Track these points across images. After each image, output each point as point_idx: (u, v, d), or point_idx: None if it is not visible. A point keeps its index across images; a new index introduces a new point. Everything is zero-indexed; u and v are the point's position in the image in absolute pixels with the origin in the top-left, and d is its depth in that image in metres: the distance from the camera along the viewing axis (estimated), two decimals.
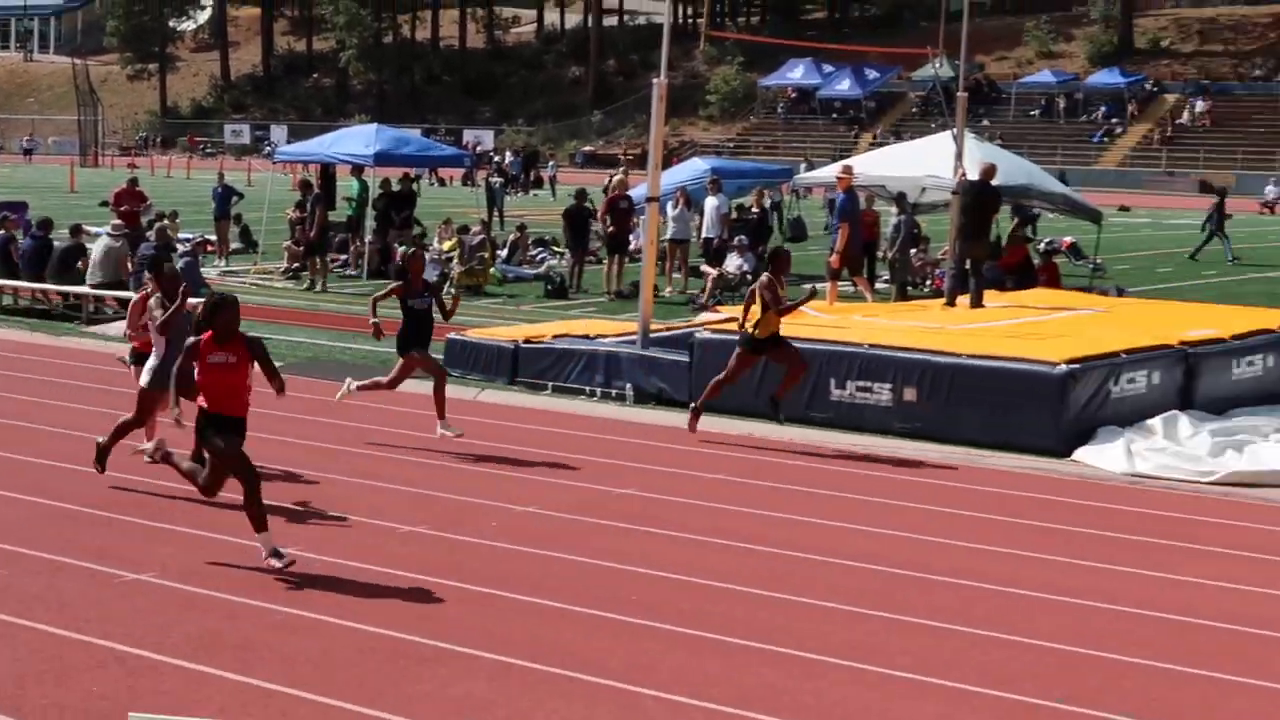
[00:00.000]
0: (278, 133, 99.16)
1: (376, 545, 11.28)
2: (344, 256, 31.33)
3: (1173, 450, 14.98)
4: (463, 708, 8.14)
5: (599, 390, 17.61)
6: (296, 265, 30.13)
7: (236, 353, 10.64)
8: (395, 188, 31.49)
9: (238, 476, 10.53)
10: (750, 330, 15.42)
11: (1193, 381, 16.63)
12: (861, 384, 16.19)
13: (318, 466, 13.79)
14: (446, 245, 30.51)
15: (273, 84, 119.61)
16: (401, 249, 14.35)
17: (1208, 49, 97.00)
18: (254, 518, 10.44)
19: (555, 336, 18.70)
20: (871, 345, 16.47)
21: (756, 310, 15.33)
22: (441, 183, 69.28)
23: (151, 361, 13.00)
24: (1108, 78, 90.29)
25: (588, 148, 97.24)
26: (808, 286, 17.87)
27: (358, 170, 30.81)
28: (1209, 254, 39.09)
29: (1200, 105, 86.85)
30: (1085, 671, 8.98)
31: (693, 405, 15.94)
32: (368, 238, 30.32)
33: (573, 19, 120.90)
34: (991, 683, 8.71)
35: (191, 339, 10.78)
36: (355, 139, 32.47)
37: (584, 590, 10.22)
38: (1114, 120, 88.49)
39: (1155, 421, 15.55)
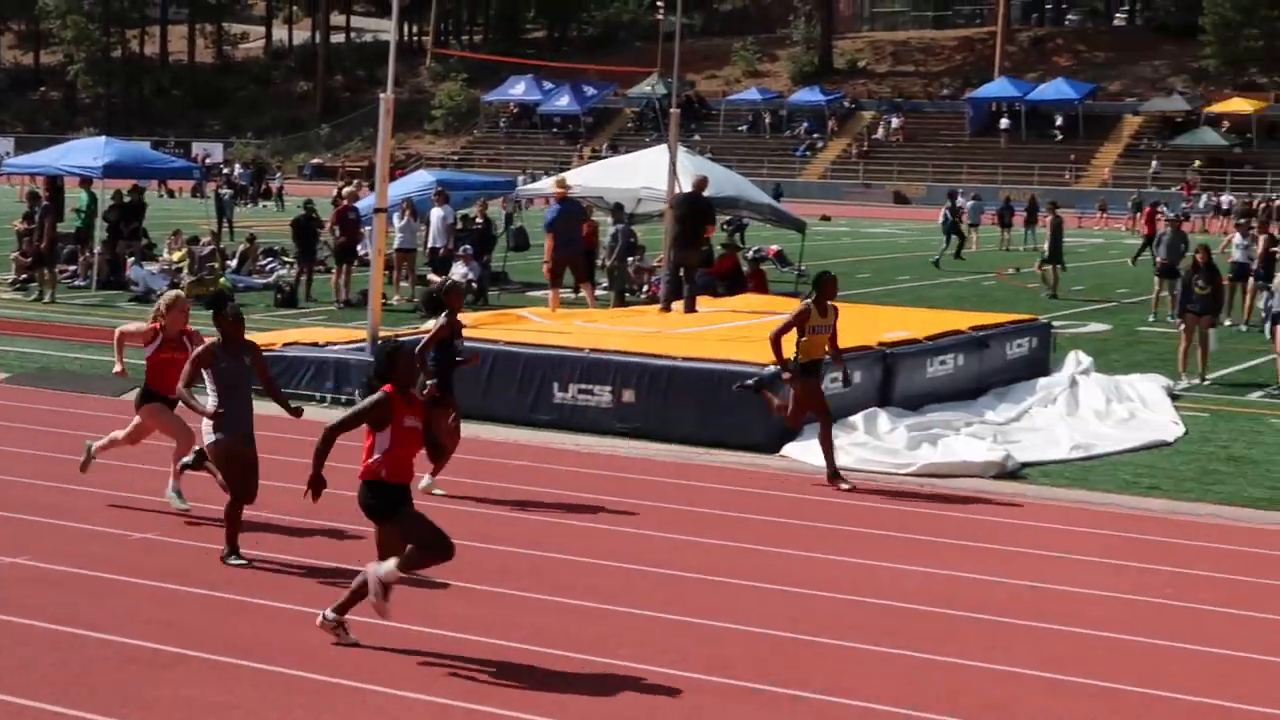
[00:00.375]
0: (4, 145, 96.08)
1: (111, 554, 11.26)
2: (73, 267, 31.02)
3: (873, 444, 15.89)
4: (197, 711, 8.20)
5: (329, 396, 17.89)
6: (25, 276, 29.78)
7: (419, 414, 9.33)
8: (125, 199, 31.41)
9: (430, 552, 9.22)
10: (791, 357, 14.67)
11: (891, 380, 17.67)
12: (583, 386, 16.78)
13: (45, 475, 13.71)
14: (176, 256, 30.56)
15: None
16: (440, 281, 12.62)
17: (900, 69, 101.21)
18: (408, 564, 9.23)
19: (285, 344, 18.80)
20: (592, 349, 17.09)
21: (791, 335, 14.65)
22: (171, 194, 68.30)
23: (208, 421, 11.42)
24: (809, 96, 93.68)
25: (316, 160, 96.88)
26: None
27: (86, 182, 30.54)
28: (924, 258, 40.79)
29: (894, 122, 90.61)
30: (795, 654, 9.49)
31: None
32: (96, 249, 30.15)
33: (301, 35, 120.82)
34: (708, 668, 9.10)
35: (380, 397, 9.10)
36: (84, 151, 32.20)
37: (313, 591, 10.32)
38: (815, 135, 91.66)
39: (857, 418, 16.43)
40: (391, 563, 9.24)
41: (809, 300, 14.82)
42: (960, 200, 54.43)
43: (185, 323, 12.67)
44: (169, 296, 12.93)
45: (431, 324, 13.53)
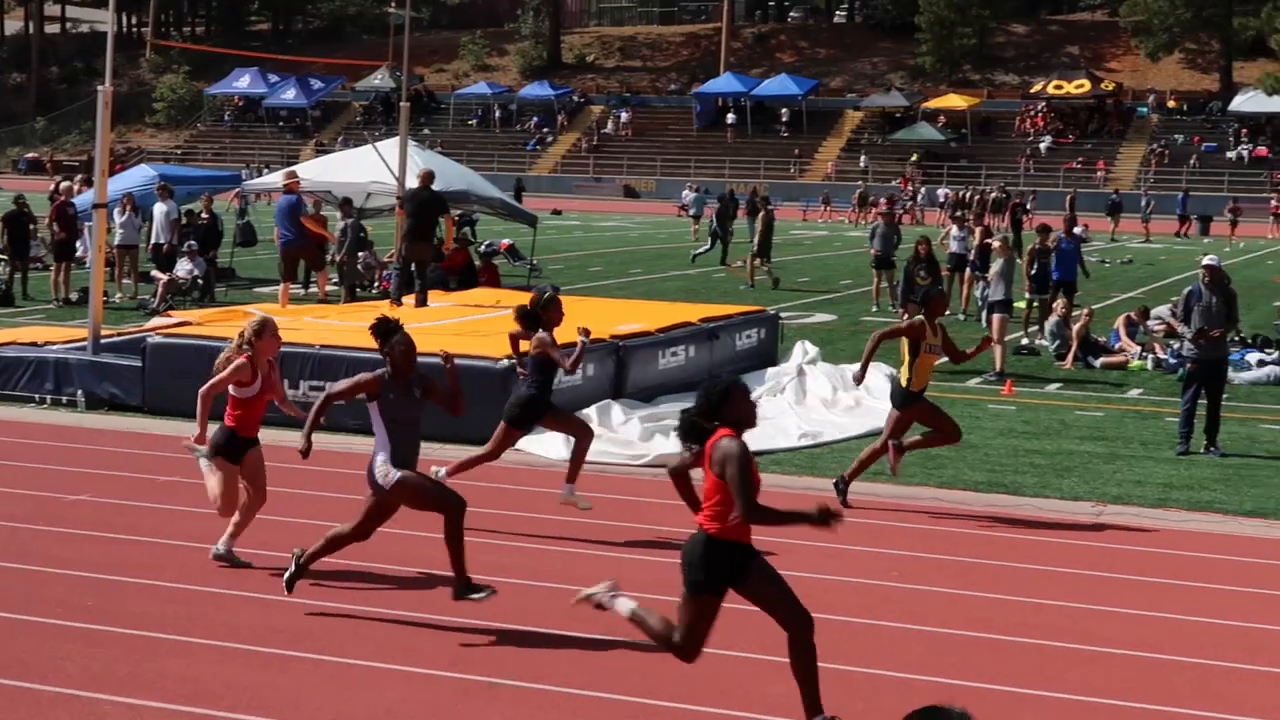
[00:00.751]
0: None
1: None
2: None
3: (607, 437, 15.98)
4: None
5: (49, 397, 17.39)
6: None
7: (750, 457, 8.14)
8: None
9: (791, 624, 8.11)
10: (904, 384, 13.77)
11: (624, 372, 17.86)
12: (315, 384, 16.57)
13: None
14: None
15: None
16: (538, 292, 11.40)
17: (628, 64, 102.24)
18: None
19: (1, 344, 18.27)
20: (323, 345, 16.93)
21: (908, 358, 13.76)
22: None
23: (380, 458, 10.13)
24: (539, 90, 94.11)
25: (31, 154, 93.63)
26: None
27: None
28: (654, 251, 41.14)
29: (623, 116, 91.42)
30: (532, 648, 9.55)
31: (841, 479, 13.91)
32: None
33: (13, 25, 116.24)
34: (447, 664, 9.11)
35: (737, 447, 7.86)
36: None
37: (36, 599, 10.08)
38: (546, 130, 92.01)
39: (590, 410, 16.57)
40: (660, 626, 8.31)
41: (920, 317, 13.94)
42: (687, 194, 55.32)
43: (277, 349, 11.40)
44: (257, 321, 11.34)
45: (538, 339, 12.40)
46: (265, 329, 11.16)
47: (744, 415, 7.98)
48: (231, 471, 11.12)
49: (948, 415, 14.04)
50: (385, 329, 10.28)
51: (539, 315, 12.37)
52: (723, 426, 7.92)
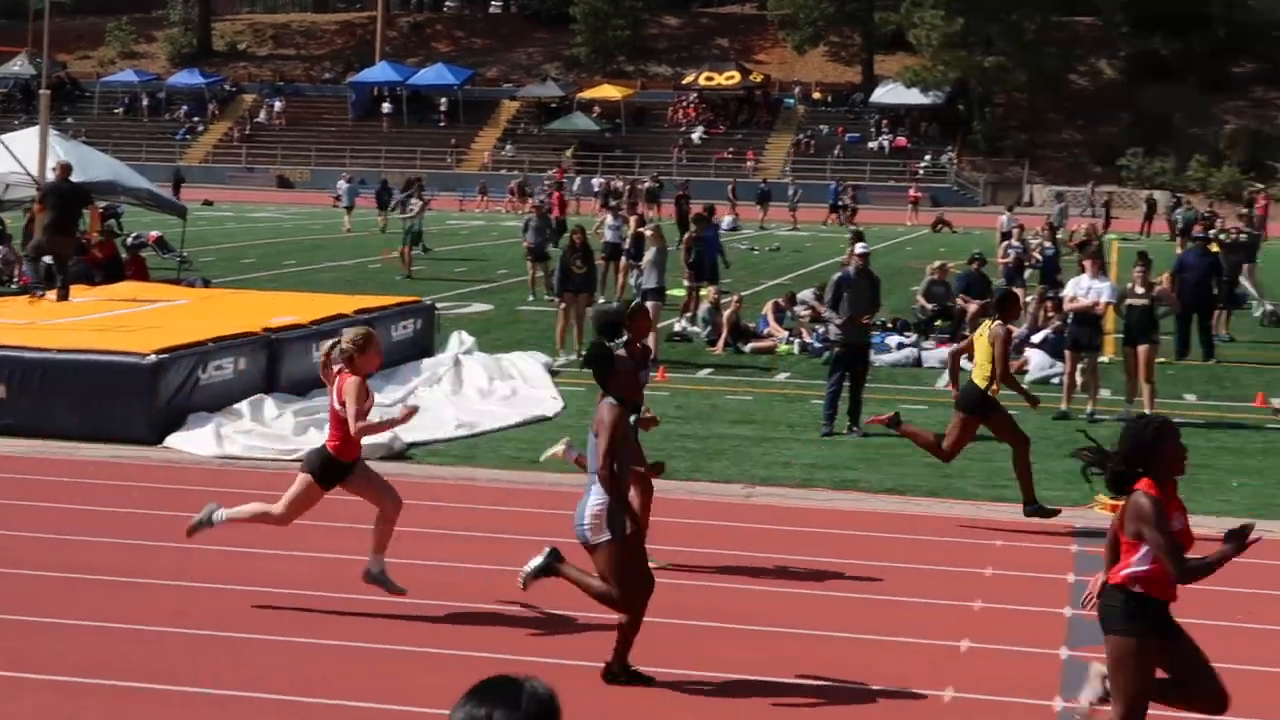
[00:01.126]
0: None
1: None
2: None
3: (260, 431, 15.81)
4: None
5: None
6: None
7: (1182, 509, 7.20)
8: None
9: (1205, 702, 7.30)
10: (982, 386, 13.39)
11: (277, 365, 17.59)
12: None
13: None
14: None
15: None
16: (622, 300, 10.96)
17: (281, 53, 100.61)
18: None
19: None
20: None
21: (984, 362, 13.40)
22: None
23: (595, 500, 8.61)
24: (189, 78, 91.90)
25: None
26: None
27: None
28: (307, 241, 40.50)
29: (276, 105, 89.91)
30: (185, 651, 9.41)
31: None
32: None
33: None
34: (91, 670, 8.90)
35: (1150, 508, 6.96)
36: None
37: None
38: (196, 119, 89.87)
39: (243, 405, 16.33)
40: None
41: (998, 322, 13.61)
42: (342, 184, 54.70)
43: (379, 365, 10.12)
44: (359, 334, 9.96)
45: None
46: (370, 343, 9.90)
47: (1174, 461, 7.13)
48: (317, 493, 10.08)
49: (1018, 427, 13.61)
50: (601, 357, 9.01)
51: (621, 325, 11.31)
52: (1145, 475, 7.08)
